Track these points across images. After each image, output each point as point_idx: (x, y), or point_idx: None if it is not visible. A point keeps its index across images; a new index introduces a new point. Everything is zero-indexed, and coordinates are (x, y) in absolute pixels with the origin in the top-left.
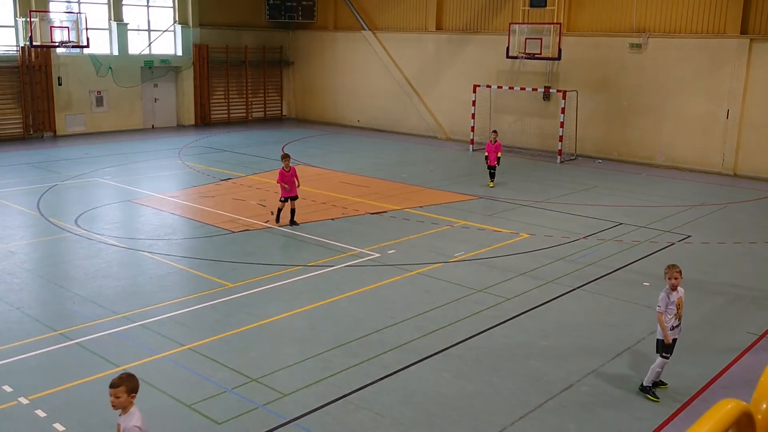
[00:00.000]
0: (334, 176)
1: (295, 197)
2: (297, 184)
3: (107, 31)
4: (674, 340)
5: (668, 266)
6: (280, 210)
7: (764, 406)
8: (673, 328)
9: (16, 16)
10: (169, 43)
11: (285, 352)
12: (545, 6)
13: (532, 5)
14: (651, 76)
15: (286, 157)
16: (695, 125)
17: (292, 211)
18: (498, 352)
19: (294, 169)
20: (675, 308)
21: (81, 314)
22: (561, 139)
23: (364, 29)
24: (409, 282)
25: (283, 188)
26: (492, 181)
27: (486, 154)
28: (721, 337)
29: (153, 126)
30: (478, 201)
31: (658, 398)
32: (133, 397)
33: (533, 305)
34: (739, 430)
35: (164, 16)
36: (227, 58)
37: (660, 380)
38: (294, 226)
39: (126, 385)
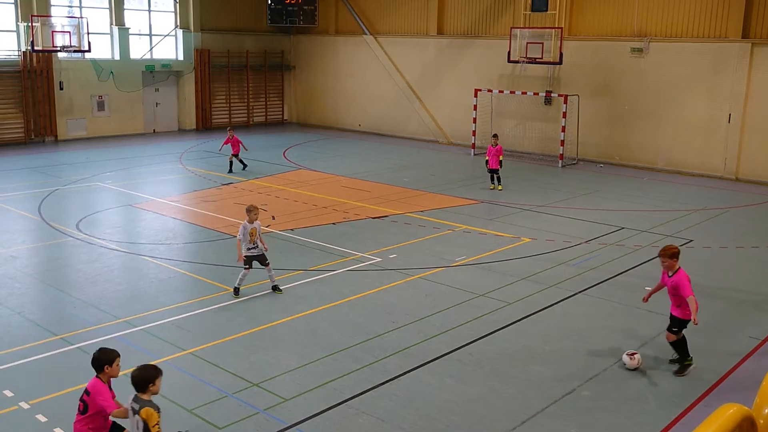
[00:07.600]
0: (335, 181)
1: None
2: None
3: (109, 36)
4: (250, 257)
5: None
6: None
7: (766, 410)
8: (249, 250)
9: (17, 20)
10: (170, 48)
11: (286, 356)
12: (546, 10)
13: (533, 10)
14: (652, 81)
15: None
16: (697, 129)
17: None
18: (499, 356)
19: None
20: (249, 236)
21: (82, 319)
22: (562, 143)
23: (366, 33)
24: (410, 286)
25: None
26: (493, 184)
27: (487, 158)
28: (723, 342)
29: (154, 130)
30: (479, 205)
31: (237, 294)
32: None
33: (535, 310)
34: None
35: (166, 20)
36: (228, 63)
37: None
38: None
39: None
